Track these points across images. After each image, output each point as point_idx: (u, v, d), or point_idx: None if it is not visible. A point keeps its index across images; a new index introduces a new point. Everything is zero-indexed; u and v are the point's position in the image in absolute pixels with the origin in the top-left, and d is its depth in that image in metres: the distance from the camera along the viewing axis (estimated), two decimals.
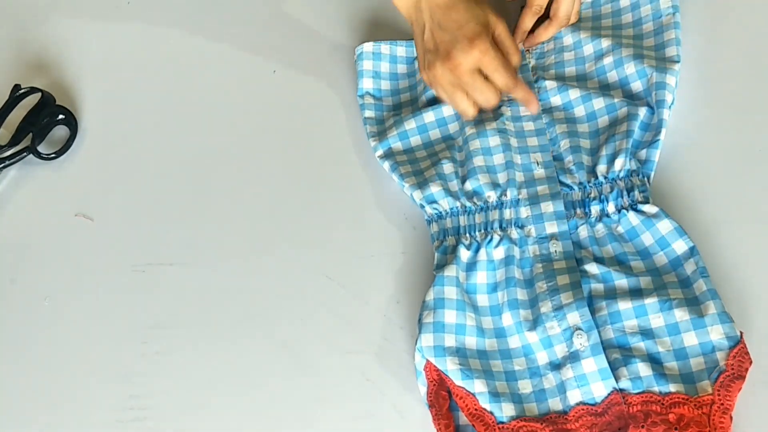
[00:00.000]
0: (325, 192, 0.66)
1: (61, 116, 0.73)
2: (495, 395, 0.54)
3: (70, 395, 0.60)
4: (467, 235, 0.60)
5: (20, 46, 0.79)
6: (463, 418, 0.55)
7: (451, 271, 0.58)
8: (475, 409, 0.53)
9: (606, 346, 0.54)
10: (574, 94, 0.64)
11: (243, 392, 0.59)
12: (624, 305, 0.55)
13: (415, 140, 0.66)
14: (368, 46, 0.70)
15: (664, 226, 0.56)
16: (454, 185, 0.62)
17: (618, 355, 0.54)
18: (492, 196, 0.61)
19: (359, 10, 0.75)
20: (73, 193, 0.69)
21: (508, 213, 0.60)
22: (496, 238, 0.59)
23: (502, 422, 0.53)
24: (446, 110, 0.66)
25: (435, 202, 0.61)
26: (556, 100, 0.65)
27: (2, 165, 0.70)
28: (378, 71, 0.70)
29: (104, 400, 0.59)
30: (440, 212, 0.61)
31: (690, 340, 0.53)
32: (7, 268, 0.66)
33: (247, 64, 0.74)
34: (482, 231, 0.60)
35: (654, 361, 0.53)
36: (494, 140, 0.63)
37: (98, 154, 0.71)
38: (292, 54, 0.74)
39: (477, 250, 0.59)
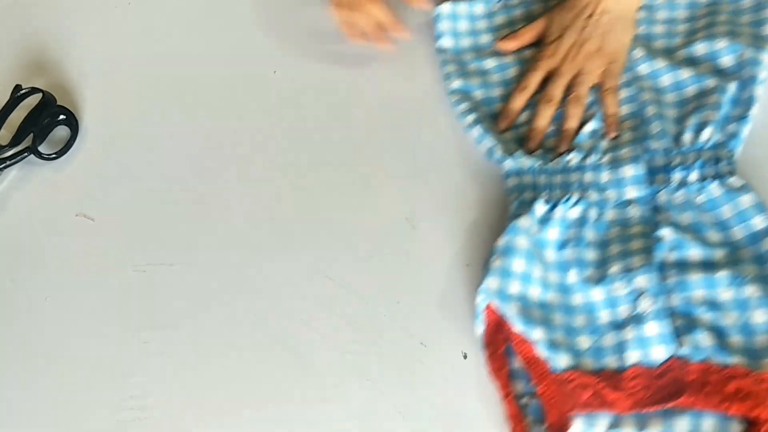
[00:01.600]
0: (326, 192, 0.66)
1: (62, 116, 0.72)
2: (553, 345, 0.54)
3: (70, 395, 0.60)
4: (545, 192, 0.60)
5: (21, 47, 0.78)
6: (515, 363, 0.56)
7: (525, 222, 0.58)
8: (532, 355, 0.54)
9: (671, 313, 0.54)
10: (660, 63, 0.63)
11: (243, 392, 0.59)
12: (694, 275, 0.54)
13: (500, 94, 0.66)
14: (446, 7, 0.70)
15: (747, 200, 0.55)
16: (537, 152, 0.62)
17: (682, 322, 0.54)
18: (574, 158, 0.60)
19: None
20: (73, 193, 0.69)
21: (588, 176, 0.60)
22: (574, 198, 0.59)
23: (557, 371, 0.54)
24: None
25: (516, 158, 0.61)
26: (642, 68, 0.64)
27: (3, 165, 0.70)
28: (457, 30, 0.69)
29: (104, 400, 0.59)
30: (520, 168, 0.61)
31: (759, 317, 0.52)
32: (8, 268, 0.66)
33: (248, 64, 0.73)
34: (560, 191, 0.60)
35: (718, 332, 0.53)
36: (588, 114, 0.63)
37: (99, 154, 0.71)
38: (291, 55, 0.73)
39: (553, 207, 0.59)
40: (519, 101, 0.65)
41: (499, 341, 0.56)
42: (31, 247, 0.67)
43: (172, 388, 0.59)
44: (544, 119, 0.63)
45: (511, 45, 0.67)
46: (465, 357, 0.57)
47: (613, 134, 0.61)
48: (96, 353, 0.61)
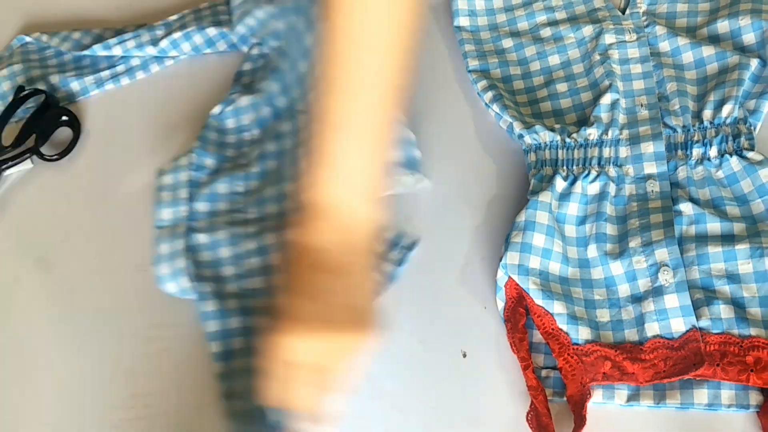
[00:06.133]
0: None
1: (64, 118, 0.72)
2: (573, 318, 0.55)
3: (72, 394, 0.60)
4: (564, 167, 0.60)
5: None
6: (536, 337, 0.56)
7: (545, 197, 0.59)
8: (552, 329, 0.55)
9: (690, 286, 0.54)
10: (682, 40, 0.64)
11: None
12: (714, 248, 0.55)
13: (519, 72, 0.67)
14: None
15: (766, 174, 0.56)
16: (557, 127, 0.63)
17: (701, 295, 0.54)
18: (593, 133, 0.61)
19: None
20: (76, 194, 0.69)
21: (607, 151, 0.60)
22: (593, 173, 0.60)
23: (577, 344, 0.54)
24: (547, 45, 0.66)
25: (535, 133, 0.62)
26: (664, 45, 0.64)
27: (6, 166, 0.70)
28: (473, 9, 0.70)
29: (107, 399, 0.59)
30: (539, 144, 0.62)
31: None
32: (11, 268, 0.66)
33: None
34: (580, 166, 0.60)
35: (737, 305, 0.53)
36: (603, 85, 0.63)
37: (101, 155, 0.71)
38: None
39: (573, 183, 0.60)
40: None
41: (519, 315, 0.56)
42: (33, 247, 0.67)
43: (175, 386, 0.59)
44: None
45: None
46: (464, 356, 0.57)
47: None
48: (99, 351, 0.61)
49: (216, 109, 0.68)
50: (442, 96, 0.68)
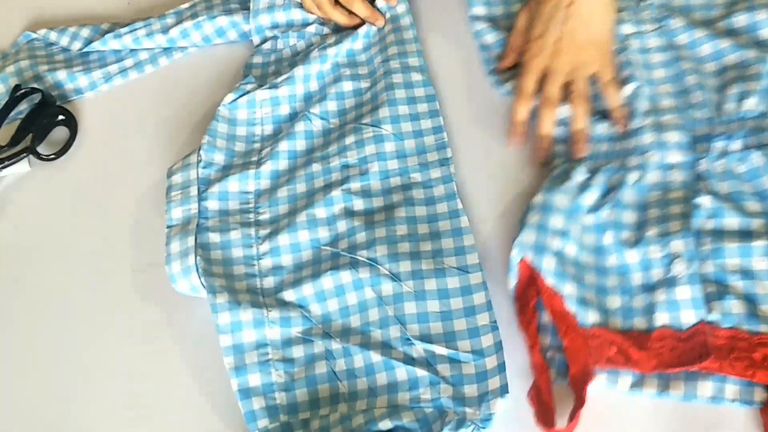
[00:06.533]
0: None
1: (61, 117, 0.72)
2: (583, 301, 0.55)
3: (71, 395, 0.59)
4: (588, 161, 0.61)
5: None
6: (544, 318, 0.56)
7: (564, 182, 0.59)
8: (560, 309, 0.55)
9: (703, 279, 0.54)
10: (699, 33, 0.64)
11: None
12: (730, 244, 0.55)
13: None
14: None
15: None
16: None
17: (713, 289, 0.54)
18: (616, 125, 0.61)
19: None
20: (72, 194, 0.69)
21: (631, 142, 0.60)
22: (615, 165, 0.60)
23: (584, 326, 0.54)
24: None
25: (562, 125, 0.62)
26: (682, 38, 0.65)
27: (2, 165, 0.69)
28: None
29: (106, 400, 0.59)
30: (565, 136, 0.62)
31: None
32: (10, 268, 0.66)
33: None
34: (602, 160, 0.60)
35: (749, 301, 0.53)
36: (623, 74, 0.63)
37: (98, 155, 0.71)
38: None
39: (594, 173, 0.60)
40: (523, 110, 0.62)
41: (530, 295, 0.56)
42: (31, 248, 0.67)
43: (174, 387, 0.59)
44: (547, 125, 0.62)
45: (507, 63, 0.66)
46: None
47: (623, 128, 0.61)
48: (97, 352, 0.61)
49: (228, 98, 0.67)
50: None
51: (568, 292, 0.55)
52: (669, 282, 0.54)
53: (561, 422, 0.52)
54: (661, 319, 0.54)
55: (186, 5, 0.75)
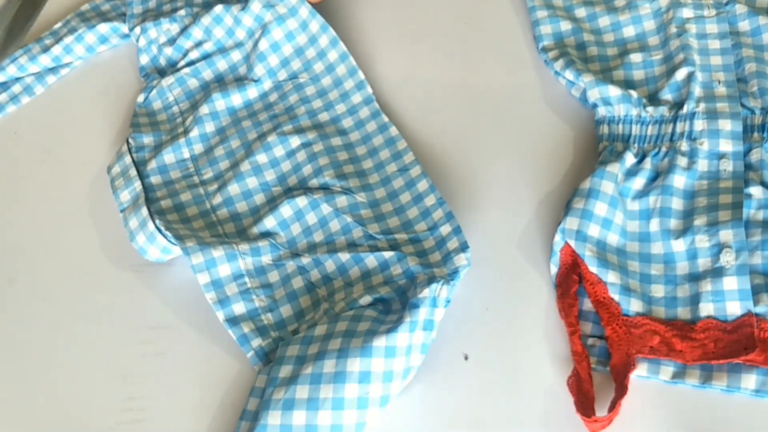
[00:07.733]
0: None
1: None
2: (626, 289, 0.54)
3: (68, 396, 0.59)
4: (636, 144, 0.60)
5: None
6: (586, 305, 0.56)
7: (613, 168, 0.58)
8: (603, 297, 0.54)
9: (751, 271, 0.53)
10: (763, 20, 0.62)
11: (244, 392, 0.57)
12: None
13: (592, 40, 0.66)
14: None
15: None
16: (634, 93, 0.61)
17: (761, 281, 0.53)
18: (669, 109, 0.60)
19: None
20: (72, 193, 0.68)
21: (681, 126, 0.59)
22: (664, 149, 0.59)
23: (627, 315, 0.54)
24: (622, 15, 0.65)
25: (611, 105, 0.61)
26: (744, 25, 0.63)
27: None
28: None
29: (103, 401, 0.58)
30: (613, 116, 0.61)
31: None
32: (5, 268, 0.65)
33: None
34: (651, 143, 0.59)
35: None
36: (678, 58, 0.62)
37: (97, 154, 0.70)
38: None
39: (642, 159, 0.59)
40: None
41: (571, 282, 0.56)
42: (28, 247, 0.66)
43: (172, 389, 0.58)
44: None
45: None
46: (466, 358, 0.56)
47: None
48: (94, 354, 0.60)
49: (140, 98, 0.70)
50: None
51: (612, 281, 0.54)
52: (715, 272, 0.53)
53: (600, 411, 0.52)
54: (706, 309, 0.53)
55: (59, 24, 0.76)
